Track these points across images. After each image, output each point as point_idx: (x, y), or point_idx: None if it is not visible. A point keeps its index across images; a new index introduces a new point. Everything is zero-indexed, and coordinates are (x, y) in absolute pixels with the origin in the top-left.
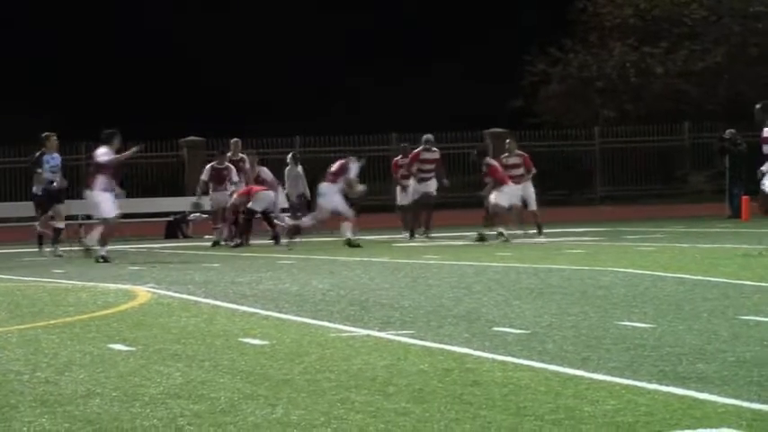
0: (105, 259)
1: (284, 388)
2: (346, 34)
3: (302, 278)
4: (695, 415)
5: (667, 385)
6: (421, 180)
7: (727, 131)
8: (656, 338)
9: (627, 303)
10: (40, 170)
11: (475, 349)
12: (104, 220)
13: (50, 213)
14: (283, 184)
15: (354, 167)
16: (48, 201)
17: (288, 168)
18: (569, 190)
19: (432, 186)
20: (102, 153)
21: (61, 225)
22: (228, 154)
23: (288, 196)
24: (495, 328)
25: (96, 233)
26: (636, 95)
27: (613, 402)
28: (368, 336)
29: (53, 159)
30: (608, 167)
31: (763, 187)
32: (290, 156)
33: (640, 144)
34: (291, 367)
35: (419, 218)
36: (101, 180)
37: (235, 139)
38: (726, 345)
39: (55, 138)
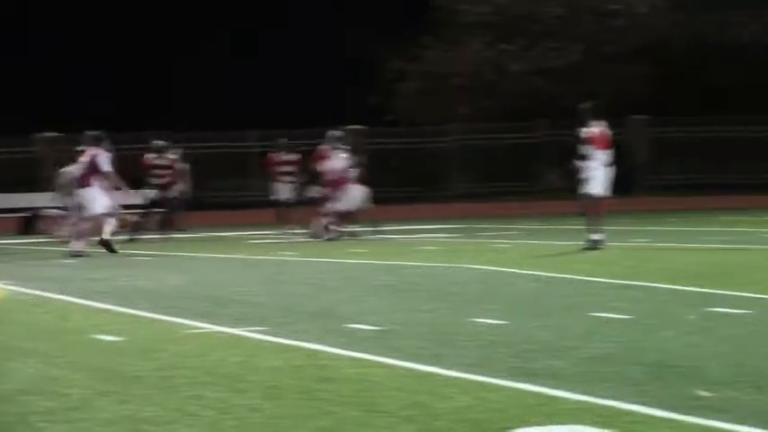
0: (79, 255)
1: (137, 384)
2: (170, 20)
3: (158, 275)
4: (547, 411)
5: (521, 381)
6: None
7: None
8: (509, 335)
9: (481, 300)
10: None
11: (328, 346)
12: (97, 216)
13: None
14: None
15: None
16: None
17: (181, 165)
18: (424, 187)
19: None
20: (99, 154)
21: None
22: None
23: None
24: (349, 325)
25: (109, 228)
26: (492, 92)
27: (466, 399)
28: (221, 332)
29: None
30: (464, 164)
31: (590, 191)
32: (177, 152)
33: (496, 141)
34: (144, 364)
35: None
36: (95, 179)
37: (88, 133)
38: (579, 341)
39: None
